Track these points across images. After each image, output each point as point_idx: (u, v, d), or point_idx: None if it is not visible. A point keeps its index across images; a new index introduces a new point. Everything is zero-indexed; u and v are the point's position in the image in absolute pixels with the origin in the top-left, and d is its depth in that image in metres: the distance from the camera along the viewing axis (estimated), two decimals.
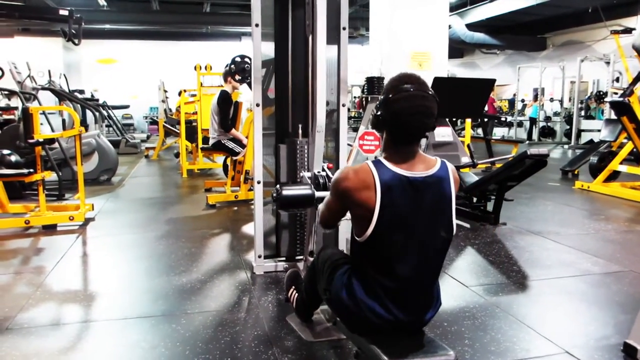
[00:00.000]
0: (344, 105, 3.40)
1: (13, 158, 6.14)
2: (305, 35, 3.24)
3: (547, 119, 15.63)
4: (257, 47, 3.24)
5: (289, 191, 2.65)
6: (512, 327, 2.66)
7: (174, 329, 2.61)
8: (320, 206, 2.05)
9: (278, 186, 2.67)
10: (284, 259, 3.46)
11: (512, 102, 17.52)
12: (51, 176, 5.70)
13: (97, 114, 10.30)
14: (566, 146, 13.36)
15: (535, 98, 15.79)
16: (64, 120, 8.00)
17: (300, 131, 3.29)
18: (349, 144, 5.27)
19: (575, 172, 7.92)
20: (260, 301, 2.95)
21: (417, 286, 1.80)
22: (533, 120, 15.57)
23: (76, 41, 4.91)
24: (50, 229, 4.63)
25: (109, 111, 12.67)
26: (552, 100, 15.83)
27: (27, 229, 4.63)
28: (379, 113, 1.78)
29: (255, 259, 3.41)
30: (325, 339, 2.45)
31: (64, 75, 11.84)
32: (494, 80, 5.34)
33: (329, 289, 1.96)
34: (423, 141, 5.59)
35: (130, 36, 18.22)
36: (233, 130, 5.75)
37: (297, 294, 2.57)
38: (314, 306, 2.48)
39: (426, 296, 1.84)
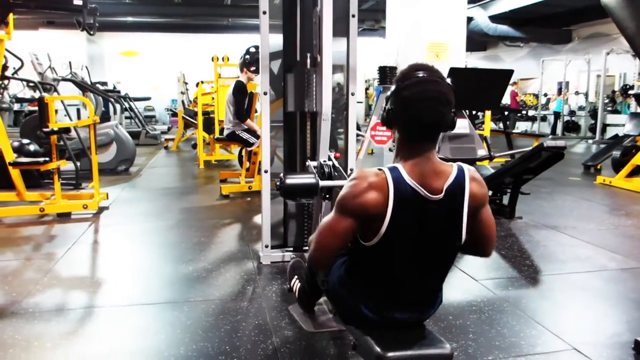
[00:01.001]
0: (353, 94, 3.35)
1: (32, 147, 6.26)
2: (313, 22, 3.19)
3: (572, 113, 15.31)
4: (265, 35, 3.21)
5: (292, 180, 2.61)
6: (519, 322, 2.59)
7: (176, 316, 2.61)
8: (312, 237, 1.73)
9: (282, 175, 2.64)
10: (291, 249, 3.43)
11: (538, 96, 17.17)
12: (66, 165, 5.75)
13: (116, 105, 10.37)
14: (590, 141, 13.07)
15: (560, 92, 15.48)
16: (78, 110, 8.09)
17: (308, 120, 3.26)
18: (360, 135, 5.23)
19: (598, 167, 7.73)
20: (264, 291, 2.93)
21: (418, 292, 1.74)
22: (557, 115, 15.26)
23: (91, 32, 4.91)
24: (64, 217, 4.68)
25: (130, 103, 12.78)
26: (577, 93, 15.49)
27: (42, 216, 4.69)
28: (388, 106, 1.64)
29: (262, 249, 3.39)
30: (326, 330, 2.42)
31: (86, 67, 11.95)
32: (511, 71, 5.22)
33: (327, 279, 1.92)
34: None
35: (152, 29, 18.32)
36: (248, 121, 5.73)
37: (299, 284, 2.54)
38: (315, 296, 2.44)
39: (428, 299, 1.78)
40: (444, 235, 1.64)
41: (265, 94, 3.24)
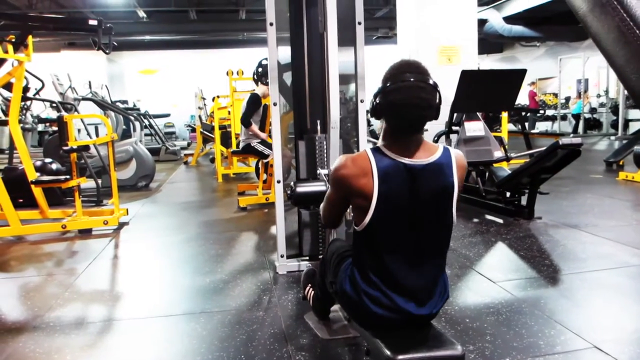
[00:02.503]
0: (362, 101, 3.35)
1: (54, 166, 6.40)
2: (320, 32, 3.22)
3: (593, 110, 15.07)
4: (272, 46, 3.24)
5: (303, 188, 2.63)
6: (538, 322, 2.56)
7: (193, 327, 2.63)
8: (322, 204, 1.98)
9: (292, 183, 2.66)
10: (306, 258, 3.44)
11: (558, 96, 16.91)
12: (87, 182, 5.87)
13: (136, 122, 10.55)
14: (613, 137, 12.85)
15: (579, 95, 15.23)
16: (97, 128, 8.24)
17: (318, 127, 3.27)
18: (371, 140, 5.21)
19: (620, 163, 7.59)
20: (280, 300, 2.94)
21: (417, 275, 1.74)
22: (577, 116, 15.03)
23: (107, 51, 5.02)
24: (85, 233, 4.76)
25: (150, 120, 12.99)
26: (598, 96, 15.22)
27: (64, 233, 4.78)
28: (376, 101, 1.73)
29: (278, 259, 3.41)
30: (341, 337, 2.42)
31: (106, 86, 12.20)
32: (524, 71, 5.17)
33: (335, 281, 1.93)
34: (453, 137, 5.48)
35: (169, 46, 18.64)
36: (253, 126, 5.76)
37: (313, 292, 2.55)
38: (329, 303, 2.45)
39: (429, 286, 1.77)
40: (435, 209, 1.71)
41: (275, 104, 3.27)
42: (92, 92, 10.94)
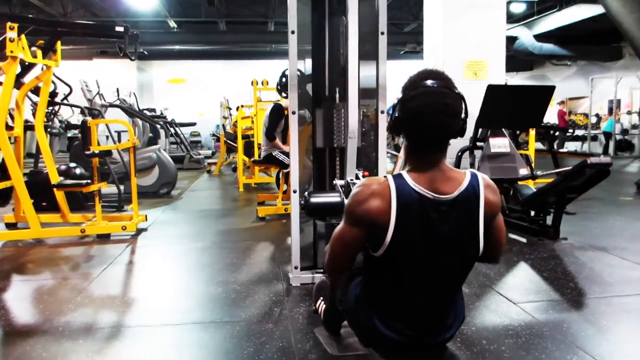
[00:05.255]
0: (382, 112, 3.28)
1: (78, 171, 6.45)
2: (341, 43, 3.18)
3: (625, 132, 14.72)
4: (293, 54, 3.21)
5: (317, 199, 2.57)
6: (559, 347, 2.43)
7: (201, 337, 2.58)
8: (327, 246, 1.74)
9: (307, 194, 2.60)
10: (321, 270, 3.36)
11: (588, 116, 16.57)
12: (109, 188, 5.91)
13: (160, 130, 10.66)
14: None
15: (610, 111, 14.90)
16: (119, 134, 8.30)
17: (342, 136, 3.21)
18: (391, 153, 5.14)
19: None
20: (291, 312, 2.87)
21: (433, 302, 1.65)
22: (608, 135, 14.69)
23: (133, 57, 5.06)
24: (104, 238, 4.77)
25: (176, 128, 13.11)
26: (629, 113, 14.87)
27: (82, 237, 4.80)
28: (395, 114, 1.60)
29: (291, 270, 3.34)
30: (351, 354, 2.33)
31: (134, 93, 12.35)
32: (553, 87, 5.03)
33: (344, 299, 1.86)
34: (477, 153, 5.35)
35: (198, 56, 18.89)
36: (277, 141, 5.75)
37: (324, 306, 2.47)
38: (341, 318, 2.36)
39: (444, 311, 1.68)
40: (457, 244, 1.57)
41: (293, 113, 3.22)
42: (121, 100, 11.09)
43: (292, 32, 3.19)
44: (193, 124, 15.99)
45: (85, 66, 17.36)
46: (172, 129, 12.97)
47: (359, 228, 1.58)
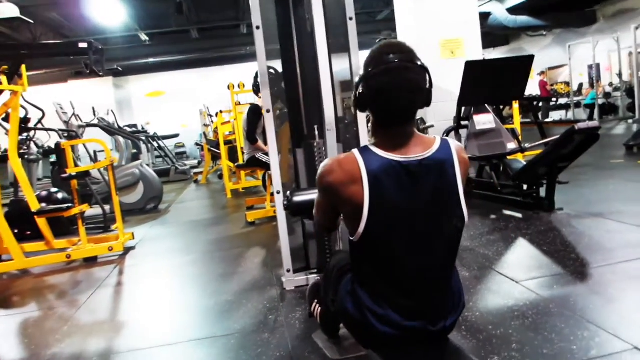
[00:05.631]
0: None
1: (59, 195, 6.27)
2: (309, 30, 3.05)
3: (607, 95, 14.69)
4: (261, 51, 3.07)
5: (300, 197, 2.44)
6: (568, 324, 2.32)
7: (197, 355, 2.46)
8: (314, 209, 1.81)
9: (288, 192, 2.48)
10: (315, 271, 3.24)
11: (570, 84, 16.49)
12: (92, 210, 5.76)
13: (142, 145, 10.51)
14: (630, 121, 12.46)
15: (592, 84, 14.84)
16: (95, 153, 8.12)
17: (316, 133, 3.09)
18: None
19: None
20: (287, 319, 2.74)
21: (427, 286, 1.54)
22: (591, 106, 14.64)
23: (100, 72, 4.90)
24: (91, 262, 4.63)
25: (159, 142, 12.94)
26: (611, 85, 14.75)
27: (69, 263, 4.65)
28: (358, 90, 1.53)
29: (284, 274, 3.22)
30: (353, 356, 2.21)
31: (112, 111, 12.14)
32: (532, 57, 4.94)
33: (335, 299, 1.74)
34: (463, 132, 5.25)
35: (174, 67, 18.66)
36: (259, 143, 5.61)
37: (320, 308, 2.35)
38: (338, 319, 2.24)
39: (441, 297, 1.57)
40: (438, 208, 1.50)
41: (268, 112, 3.09)
42: (99, 119, 10.90)
43: (258, 28, 3.06)
44: (176, 136, 15.82)
45: (61, 89, 17.13)
46: (155, 143, 12.80)
47: (329, 198, 1.58)
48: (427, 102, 1.54)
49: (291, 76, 3.17)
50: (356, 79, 1.55)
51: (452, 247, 1.58)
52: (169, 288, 3.72)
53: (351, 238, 1.54)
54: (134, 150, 11.28)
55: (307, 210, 2.48)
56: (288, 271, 3.18)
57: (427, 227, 1.50)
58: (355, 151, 1.51)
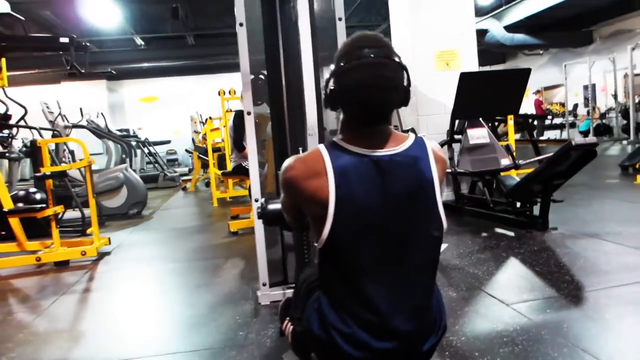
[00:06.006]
0: None
1: (38, 196, 6.05)
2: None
3: (602, 115, 14.64)
4: (244, 48, 2.91)
5: (275, 205, 2.25)
6: (561, 352, 2.13)
7: None
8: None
9: (263, 200, 2.29)
10: (293, 285, 3.04)
11: (565, 104, 16.44)
12: (69, 212, 5.55)
13: (127, 148, 10.33)
14: (625, 142, 12.38)
15: (588, 113, 14.78)
16: (71, 152, 7.89)
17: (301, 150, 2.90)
18: None
19: (637, 166, 7.13)
20: (258, 336, 2.54)
21: (401, 302, 1.35)
22: (586, 132, 14.57)
23: (82, 70, 4.72)
24: (62, 266, 4.42)
25: (149, 147, 12.75)
26: (605, 114, 14.69)
27: (39, 266, 4.45)
28: (329, 87, 1.38)
29: (260, 288, 3.02)
30: None
31: (102, 114, 11.94)
32: (528, 70, 4.79)
33: (302, 317, 1.55)
34: (456, 146, 5.08)
35: (169, 73, 18.50)
36: (246, 151, 5.42)
37: (291, 326, 2.15)
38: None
39: (417, 315, 1.38)
40: (414, 215, 1.33)
41: (249, 114, 2.92)
42: (88, 121, 10.69)
43: (241, 25, 2.89)
44: (167, 142, 15.64)
45: (54, 90, 16.87)
46: (145, 149, 12.61)
47: (293, 196, 1.44)
48: (404, 101, 1.40)
49: (275, 78, 2.99)
50: (326, 75, 1.39)
51: (430, 258, 1.41)
52: (139, 297, 3.50)
53: (315, 244, 1.38)
54: (123, 155, 11.07)
55: (282, 219, 2.29)
56: (264, 285, 2.98)
57: (400, 232, 1.33)
58: (321, 146, 1.37)
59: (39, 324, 3.00)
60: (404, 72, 1.36)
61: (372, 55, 1.30)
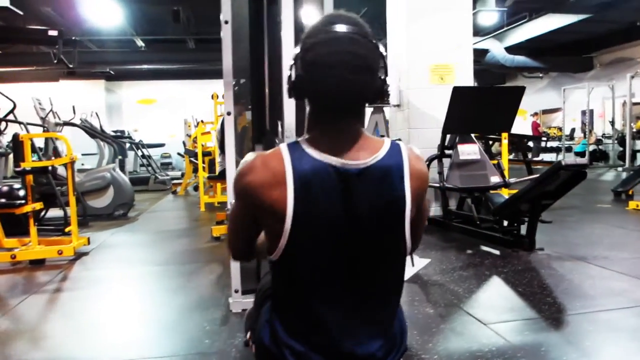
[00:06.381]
0: None
1: (22, 192, 5.95)
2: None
3: (598, 142, 14.62)
4: (227, 47, 2.83)
5: None
6: None
7: None
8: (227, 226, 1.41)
9: (232, 201, 2.19)
10: None
11: (562, 129, 16.37)
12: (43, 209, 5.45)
13: (119, 149, 10.25)
14: (620, 169, 12.34)
15: (584, 133, 14.80)
16: (55, 148, 7.77)
17: (280, 129, 2.82)
18: None
19: (630, 193, 7.07)
20: (224, 345, 2.43)
21: (358, 323, 1.24)
22: (582, 154, 14.56)
23: (70, 65, 4.65)
24: (37, 264, 4.30)
25: (143, 149, 12.66)
26: (603, 137, 14.70)
27: (14, 264, 4.32)
28: (292, 72, 1.22)
29: (232, 295, 2.91)
30: None
31: (96, 113, 11.84)
32: (522, 88, 4.73)
33: (255, 327, 1.44)
34: (447, 161, 5.01)
35: (168, 76, 18.44)
36: None
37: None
38: None
39: (375, 336, 1.26)
40: (379, 235, 1.19)
41: (229, 114, 2.84)
42: (82, 120, 10.61)
43: (226, 22, 2.81)
44: (162, 145, 15.54)
45: (52, 88, 16.75)
46: (139, 150, 12.53)
47: (247, 205, 1.21)
48: (379, 92, 1.21)
49: (258, 76, 2.92)
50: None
51: (392, 280, 1.28)
52: (110, 300, 3.38)
53: (270, 256, 1.23)
54: (120, 157, 10.96)
55: None
56: (236, 292, 2.89)
57: (361, 254, 1.19)
58: (283, 146, 1.19)
59: (0, 324, 2.88)
60: (380, 55, 1.19)
61: (343, 30, 1.14)
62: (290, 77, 1.23)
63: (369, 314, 1.25)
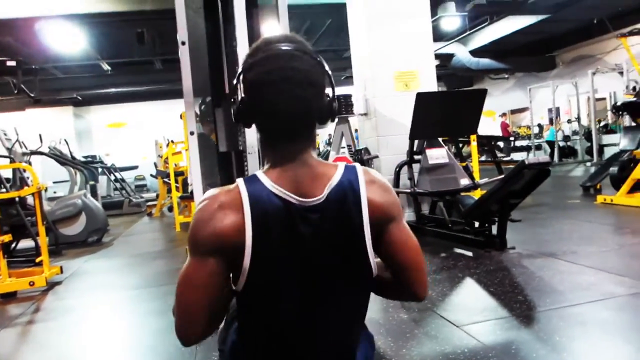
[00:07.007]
0: None
1: None
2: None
3: (566, 138, 14.95)
4: (186, 67, 2.84)
5: None
6: None
7: None
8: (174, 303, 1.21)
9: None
10: None
11: (540, 127, 16.68)
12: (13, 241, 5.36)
13: (89, 175, 10.13)
14: (588, 164, 12.61)
15: (551, 121, 15.17)
16: (22, 179, 7.61)
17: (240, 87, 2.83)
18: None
19: (597, 187, 7.24)
20: None
21: (320, 354, 1.23)
22: (551, 143, 14.89)
23: (32, 94, 4.59)
24: (9, 297, 4.21)
25: (115, 173, 12.53)
26: (569, 121, 15.13)
27: None
28: (238, 97, 1.18)
29: None
30: None
31: (65, 140, 11.69)
32: (485, 90, 4.83)
33: (223, 348, 1.44)
34: (416, 167, 5.07)
35: (136, 98, 18.29)
36: None
37: None
38: None
39: None
40: (338, 265, 1.15)
41: (192, 134, 2.84)
42: (51, 147, 10.46)
43: (183, 44, 2.83)
44: (134, 168, 15.38)
45: (18, 117, 16.46)
46: (112, 175, 12.39)
47: (212, 258, 1.10)
48: (330, 112, 1.19)
49: (219, 97, 2.93)
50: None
51: (356, 309, 1.26)
52: (85, 328, 3.33)
53: (233, 287, 1.16)
54: (92, 182, 10.81)
55: None
56: None
57: (323, 288, 1.17)
58: (240, 182, 1.14)
59: None
60: (324, 71, 1.15)
61: (282, 48, 1.12)
62: (234, 100, 1.19)
63: (333, 345, 1.23)
